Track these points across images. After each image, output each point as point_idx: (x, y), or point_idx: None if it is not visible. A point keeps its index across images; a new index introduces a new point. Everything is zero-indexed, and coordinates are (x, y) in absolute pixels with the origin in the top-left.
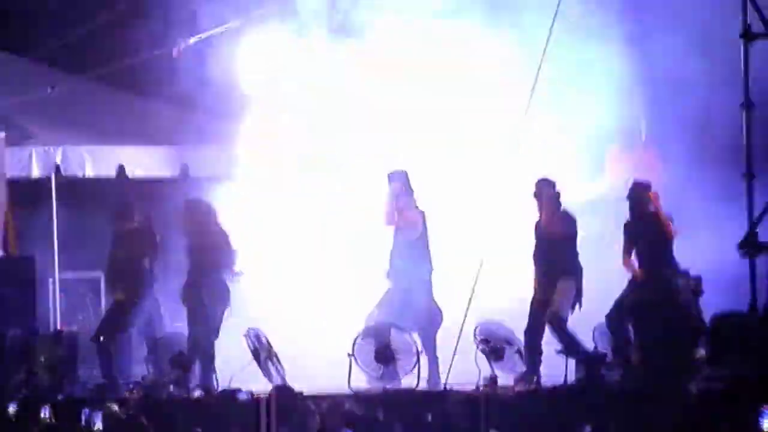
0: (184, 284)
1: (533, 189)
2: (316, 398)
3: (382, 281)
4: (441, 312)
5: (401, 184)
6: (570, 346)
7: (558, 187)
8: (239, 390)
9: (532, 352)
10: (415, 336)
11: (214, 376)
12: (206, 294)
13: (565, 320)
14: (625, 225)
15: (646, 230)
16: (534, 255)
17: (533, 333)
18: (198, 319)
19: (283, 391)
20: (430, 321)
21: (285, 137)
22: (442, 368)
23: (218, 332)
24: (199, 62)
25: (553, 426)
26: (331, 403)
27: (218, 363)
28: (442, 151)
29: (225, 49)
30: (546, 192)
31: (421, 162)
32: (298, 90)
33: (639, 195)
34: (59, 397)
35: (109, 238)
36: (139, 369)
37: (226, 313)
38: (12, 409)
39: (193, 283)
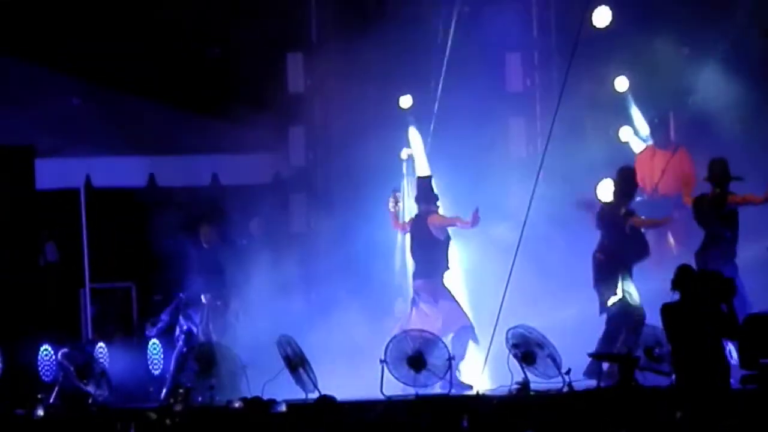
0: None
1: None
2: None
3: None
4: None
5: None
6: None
7: None
8: (275, 401)
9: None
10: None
11: (245, 384)
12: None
13: None
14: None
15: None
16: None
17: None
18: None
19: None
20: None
21: None
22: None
23: None
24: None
25: (588, 430)
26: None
27: (249, 371)
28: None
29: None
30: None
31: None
32: None
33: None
34: (93, 408)
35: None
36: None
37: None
38: (41, 411)
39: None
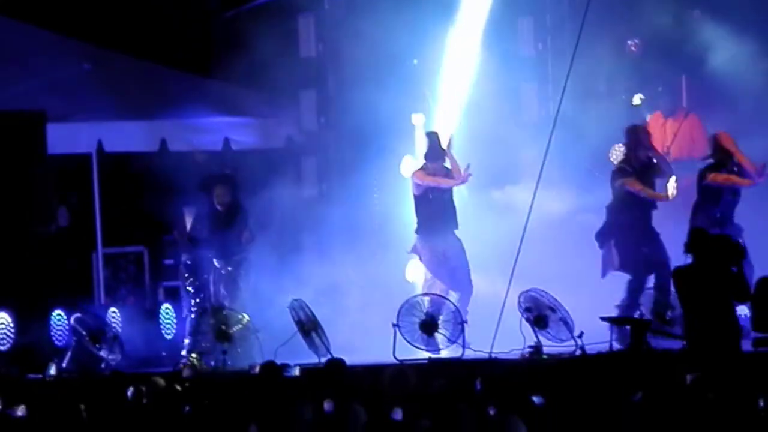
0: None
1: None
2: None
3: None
4: None
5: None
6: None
7: None
8: (288, 365)
9: None
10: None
11: (258, 349)
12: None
13: None
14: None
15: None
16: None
17: None
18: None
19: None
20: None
21: None
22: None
23: None
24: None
25: (600, 393)
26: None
27: (261, 335)
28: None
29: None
30: None
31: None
32: None
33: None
34: (105, 372)
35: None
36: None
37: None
38: (53, 371)
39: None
